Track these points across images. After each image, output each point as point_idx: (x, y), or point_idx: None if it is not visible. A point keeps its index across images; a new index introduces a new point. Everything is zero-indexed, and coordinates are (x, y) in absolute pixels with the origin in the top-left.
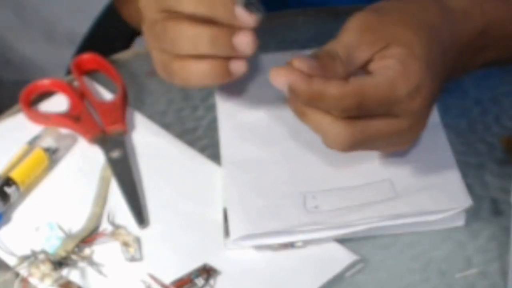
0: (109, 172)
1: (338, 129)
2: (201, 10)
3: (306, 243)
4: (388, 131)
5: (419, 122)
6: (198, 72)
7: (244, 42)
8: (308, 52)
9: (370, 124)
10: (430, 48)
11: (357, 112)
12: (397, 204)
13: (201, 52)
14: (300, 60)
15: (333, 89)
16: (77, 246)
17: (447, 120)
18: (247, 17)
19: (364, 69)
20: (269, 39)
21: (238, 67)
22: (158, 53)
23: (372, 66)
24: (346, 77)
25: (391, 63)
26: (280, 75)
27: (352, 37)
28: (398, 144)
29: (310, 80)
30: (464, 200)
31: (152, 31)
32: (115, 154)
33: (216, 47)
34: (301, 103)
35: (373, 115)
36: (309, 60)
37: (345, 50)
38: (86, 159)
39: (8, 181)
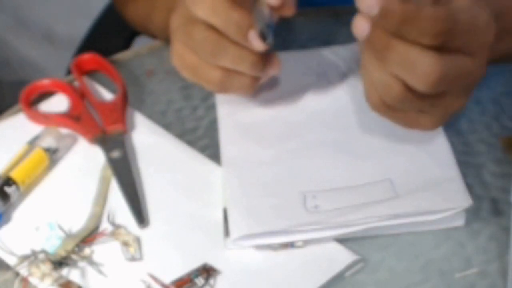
0: (109, 172)
1: (428, 59)
2: (214, 20)
3: (306, 243)
4: (468, 68)
5: (482, 67)
6: (238, 85)
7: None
8: (309, 51)
9: (458, 57)
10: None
11: (445, 40)
12: (397, 204)
13: (242, 70)
14: None
15: (428, 10)
16: (77, 245)
17: (448, 120)
18: (258, 43)
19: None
20: None
21: (264, 81)
22: (189, 53)
23: None
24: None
25: None
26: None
27: None
28: (452, 105)
29: (403, 1)
30: (464, 200)
31: (187, 30)
32: (115, 154)
33: (256, 69)
34: (390, 28)
35: (455, 47)
36: None
37: None
38: (86, 159)
39: (8, 181)
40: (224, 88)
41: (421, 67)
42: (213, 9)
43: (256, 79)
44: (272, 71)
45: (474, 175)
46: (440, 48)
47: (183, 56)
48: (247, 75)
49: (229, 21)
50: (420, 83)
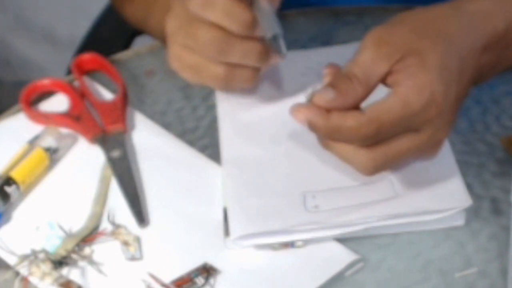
0: (109, 171)
1: (360, 157)
2: (228, 23)
3: (306, 242)
4: (409, 147)
5: (440, 130)
6: (241, 78)
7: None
8: (309, 51)
9: (391, 145)
10: (443, 55)
11: (377, 138)
12: (397, 204)
13: (249, 64)
14: (319, 96)
15: (350, 121)
16: (77, 245)
17: None
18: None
19: (383, 82)
20: None
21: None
22: (189, 53)
23: (389, 80)
24: (368, 94)
25: (402, 78)
26: (300, 112)
27: (368, 54)
28: (423, 155)
29: (327, 116)
30: (464, 200)
31: (190, 32)
32: (115, 153)
33: (262, 61)
34: (322, 136)
35: (394, 136)
36: (327, 93)
37: (362, 69)
38: (86, 158)
39: (9, 181)
40: (228, 84)
41: (355, 164)
42: (227, 12)
43: (257, 70)
44: (274, 60)
45: (474, 175)
46: (374, 143)
47: (183, 57)
48: (250, 67)
49: (243, 22)
50: (359, 173)
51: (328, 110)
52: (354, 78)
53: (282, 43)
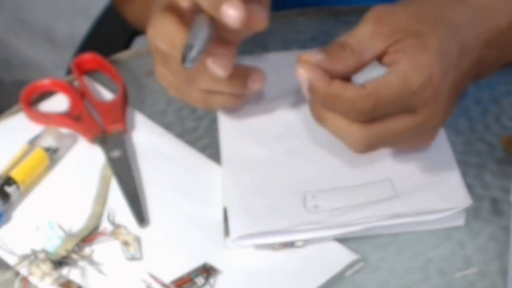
0: (109, 171)
1: (353, 132)
2: (174, 53)
3: (306, 242)
4: (404, 127)
5: (435, 115)
6: (221, 101)
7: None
8: (309, 51)
9: (386, 124)
10: (443, 40)
11: (373, 114)
12: (397, 204)
13: (221, 90)
14: (308, 55)
15: (349, 92)
16: (77, 245)
17: (447, 120)
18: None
19: (379, 61)
20: (269, 39)
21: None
22: (170, 74)
23: (386, 59)
24: (359, 67)
25: (401, 57)
26: (304, 70)
27: (367, 28)
28: (417, 140)
29: (329, 81)
30: (464, 200)
31: (163, 56)
32: (115, 153)
33: (233, 88)
34: (319, 103)
35: (390, 114)
36: (317, 54)
37: (357, 40)
38: (86, 158)
39: (9, 181)
40: (208, 106)
41: (347, 139)
42: (170, 41)
43: (238, 94)
44: (255, 86)
45: (474, 175)
46: (369, 119)
47: (165, 76)
48: (228, 92)
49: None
50: (350, 149)
51: (331, 77)
52: (347, 47)
53: (191, 55)
